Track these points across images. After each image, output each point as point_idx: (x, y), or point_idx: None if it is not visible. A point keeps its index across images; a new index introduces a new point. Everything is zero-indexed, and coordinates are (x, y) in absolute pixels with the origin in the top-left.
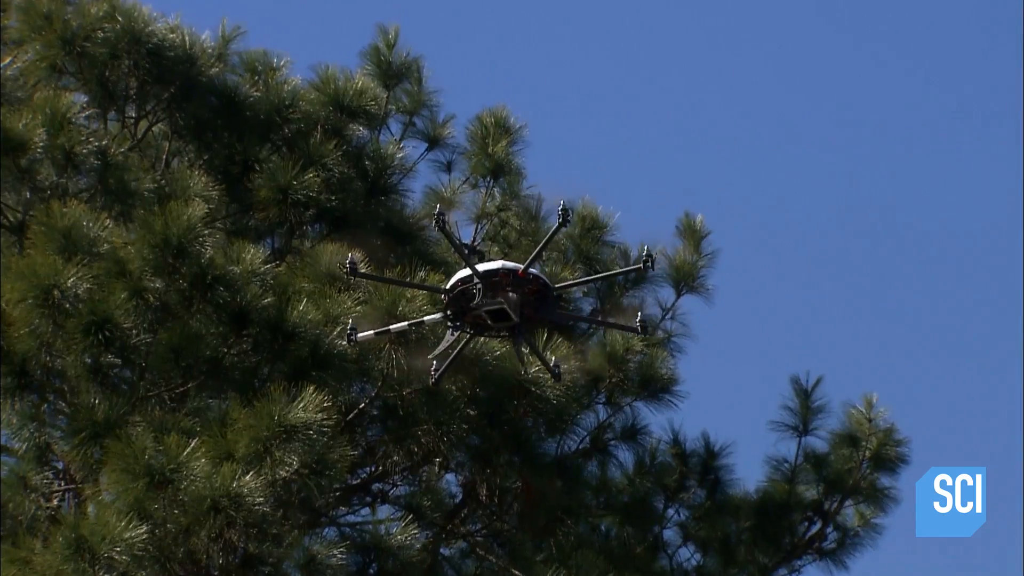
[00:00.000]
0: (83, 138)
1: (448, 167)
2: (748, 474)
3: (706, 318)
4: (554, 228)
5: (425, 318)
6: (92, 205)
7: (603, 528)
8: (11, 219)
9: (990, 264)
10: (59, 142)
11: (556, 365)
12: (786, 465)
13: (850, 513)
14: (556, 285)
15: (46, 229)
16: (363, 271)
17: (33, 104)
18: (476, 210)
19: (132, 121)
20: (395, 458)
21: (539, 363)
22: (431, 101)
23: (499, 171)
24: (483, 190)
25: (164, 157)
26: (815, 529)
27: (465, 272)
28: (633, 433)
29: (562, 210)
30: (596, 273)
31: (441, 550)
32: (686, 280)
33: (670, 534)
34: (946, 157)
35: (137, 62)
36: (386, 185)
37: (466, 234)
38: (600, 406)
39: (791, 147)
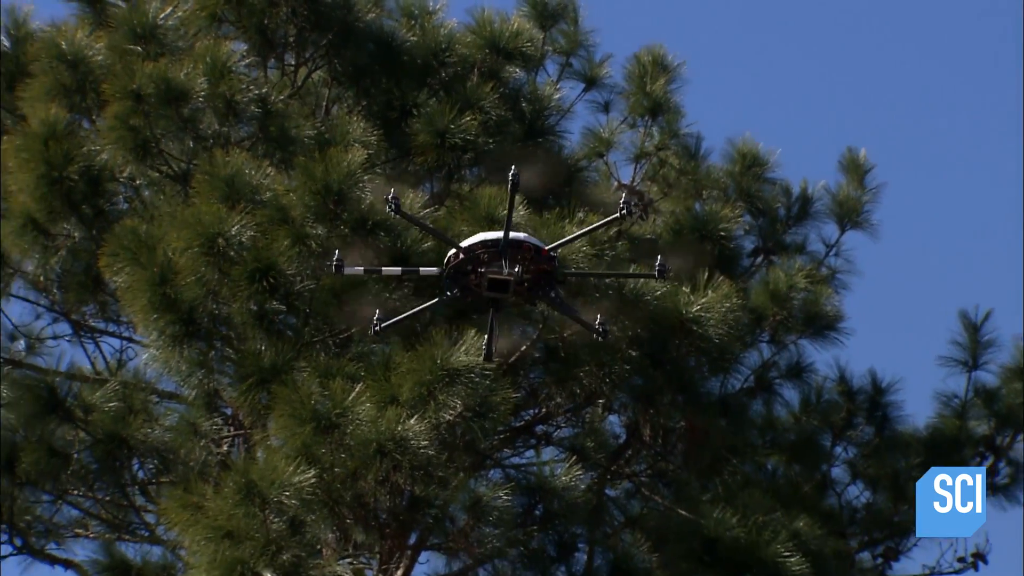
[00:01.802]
0: (244, 86)
1: (606, 107)
2: (917, 410)
3: (872, 254)
4: (608, 219)
5: (421, 269)
6: (254, 153)
7: (769, 467)
8: (175, 168)
9: None
10: (220, 91)
11: (602, 323)
12: (956, 400)
13: (1022, 447)
14: (565, 271)
15: (209, 178)
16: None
17: (194, 54)
18: (635, 150)
19: (291, 68)
20: (558, 400)
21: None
22: (588, 41)
23: (657, 110)
24: (641, 129)
25: (324, 104)
26: (987, 464)
27: (492, 235)
28: (798, 371)
29: (624, 202)
30: (756, 209)
31: (606, 491)
32: (850, 216)
33: (838, 472)
34: None
35: (295, 9)
36: (543, 127)
37: (624, 174)
38: (764, 344)
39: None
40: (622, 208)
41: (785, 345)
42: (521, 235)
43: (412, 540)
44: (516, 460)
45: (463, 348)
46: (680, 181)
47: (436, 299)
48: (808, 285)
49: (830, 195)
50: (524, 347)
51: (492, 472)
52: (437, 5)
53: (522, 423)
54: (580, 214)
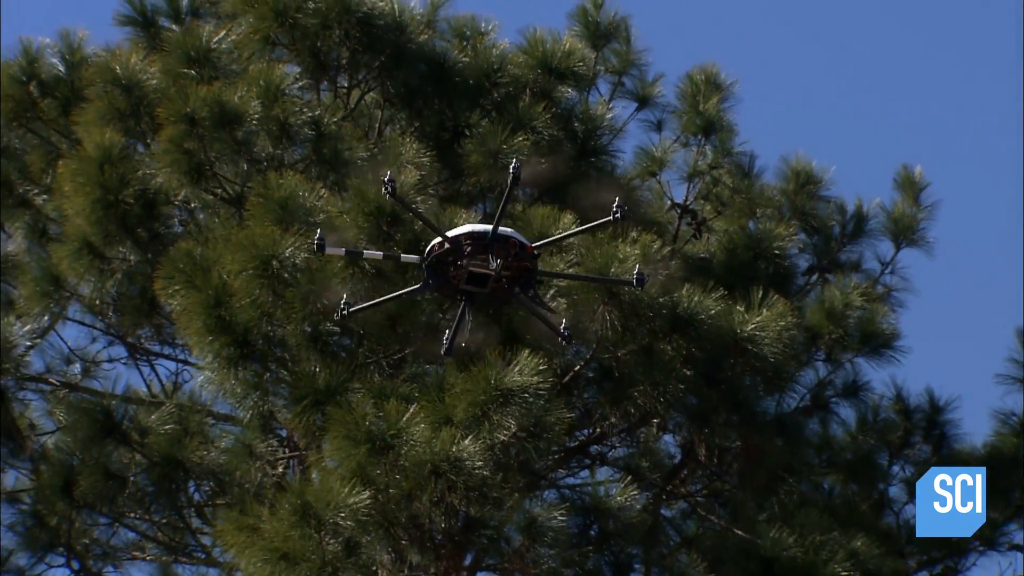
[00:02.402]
0: (297, 109)
1: (658, 126)
2: (975, 428)
3: (927, 271)
4: (600, 221)
5: (401, 256)
6: (307, 175)
7: (826, 486)
8: (229, 191)
9: None
10: (274, 113)
11: (567, 328)
12: (1014, 418)
13: None
14: (543, 271)
15: (263, 200)
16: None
17: (247, 77)
18: (688, 169)
19: (344, 90)
20: (612, 420)
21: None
22: (640, 60)
23: (710, 128)
24: (694, 148)
25: (376, 125)
26: None
27: (480, 228)
28: (855, 389)
29: (617, 206)
30: (811, 227)
31: (662, 511)
32: (905, 233)
33: (895, 491)
34: None
35: (348, 32)
36: (596, 146)
37: (677, 193)
38: (820, 363)
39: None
40: (615, 211)
41: (841, 364)
42: (508, 230)
43: (467, 561)
44: (571, 480)
45: (517, 368)
46: (734, 200)
47: (411, 287)
48: (864, 303)
49: (885, 213)
50: (578, 367)
51: (547, 492)
52: (489, 26)
53: (577, 443)
54: (633, 233)
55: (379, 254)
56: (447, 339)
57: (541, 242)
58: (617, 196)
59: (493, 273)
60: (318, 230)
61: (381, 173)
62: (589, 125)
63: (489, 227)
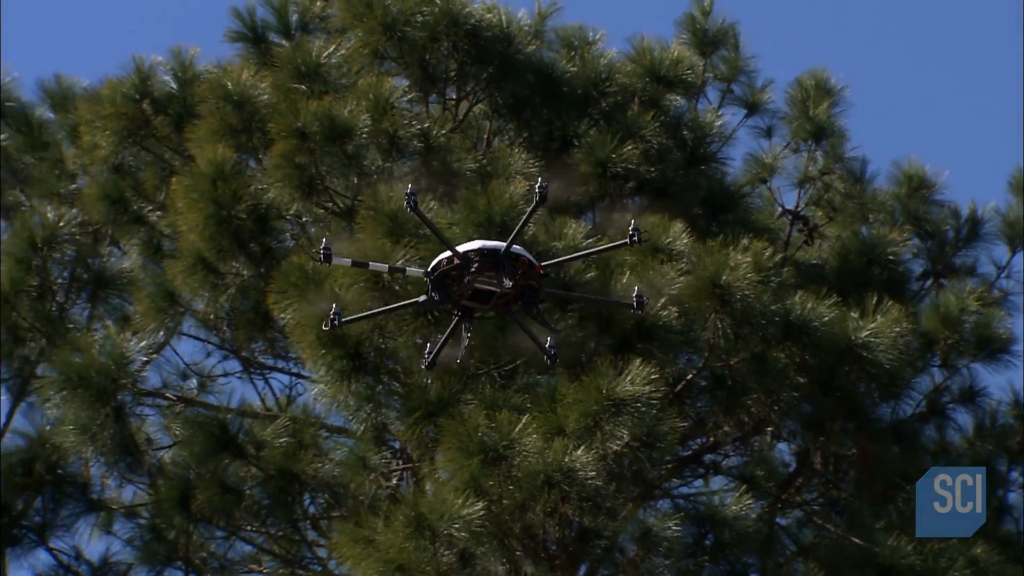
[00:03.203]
0: (406, 122)
1: (768, 132)
2: None
3: None
4: (615, 243)
5: (407, 269)
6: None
7: None
8: (340, 205)
9: None
10: (383, 127)
11: (552, 346)
12: None
13: None
14: (547, 289)
15: (374, 213)
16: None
17: (357, 91)
18: (799, 175)
19: (452, 102)
20: (726, 428)
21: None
22: (748, 67)
23: (821, 134)
24: (805, 154)
25: (485, 137)
26: None
27: (492, 244)
28: (971, 395)
29: (633, 229)
30: (924, 232)
31: (777, 519)
32: (1021, 237)
33: (1014, 497)
34: None
35: (456, 44)
36: (705, 154)
37: (788, 199)
38: (935, 369)
39: None
40: (631, 234)
41: (957, 369)
42: (518, 248)
43: (582, 572)
44: (685, 490)
45: (629, 378)
46: (846, 205)
47: (411, 300)
48: (979, 308)
49: (1000, 216)
50: (690, 375)
51: (661, 502)
52: (596, 35)
53: (690, 452)
54: (744, 240)
55: (384, 266)
56: (431, 351)
57: (549, 262)
58: (633, 219)
59: (500, 291)
60: (323, 239)
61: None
62: (698, 133)
63: (501, 244)
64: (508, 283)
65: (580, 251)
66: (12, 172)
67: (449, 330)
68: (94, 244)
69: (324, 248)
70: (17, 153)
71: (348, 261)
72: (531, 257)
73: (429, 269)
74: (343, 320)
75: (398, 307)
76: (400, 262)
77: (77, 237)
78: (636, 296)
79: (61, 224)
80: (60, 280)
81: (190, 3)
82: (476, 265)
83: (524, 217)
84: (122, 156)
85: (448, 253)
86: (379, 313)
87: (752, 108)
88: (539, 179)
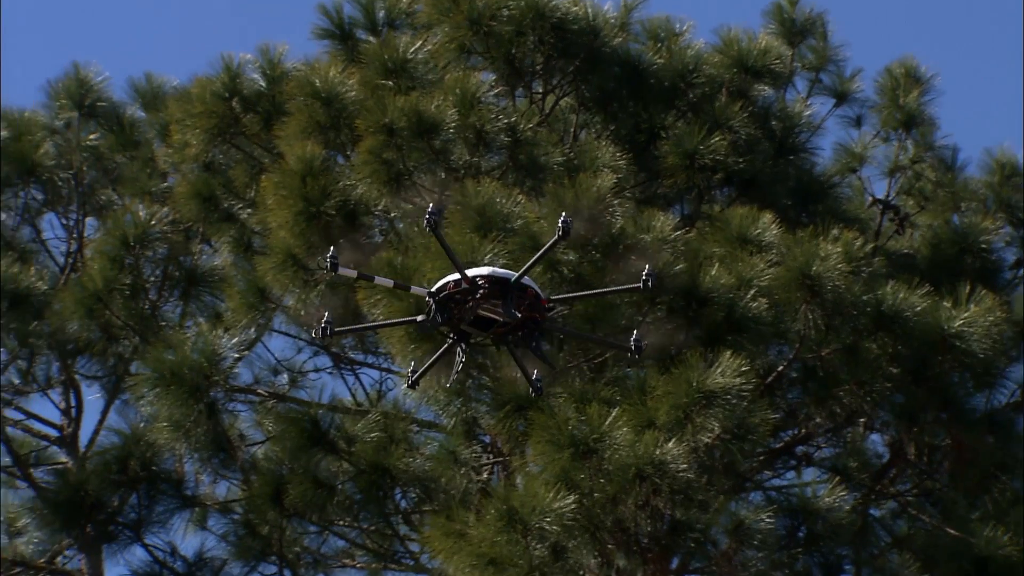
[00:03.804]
0: (493, 116)
1: (858, 122)
2: None
3: None
4: (625, 287)
5: (412, 288)
6: (504, 181)
7: None
8: (428, 200)
9: None
10: (470, 121)
11: (538, 379)
12: None
13: None
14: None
15: (461, 207)
16: (345, 270)
17: (444, 86)
18: (889, 164)
19: (539, 96)
20: (817, 420)
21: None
22: (837, 56)
23: (911, 122)
24: (895, 143)
25: (572, 130)
26: None
27: (501, 272)
28: None
29: (647, 274)
30: (1017, 220)
31: (871, 511)
32: None
33: None
34: None
35: (542, 37)
36: (794, 144)
37: (879, 189)
38: None
39: None
40: (645, 279)
41: None
42: (527, 280)
43: (674, 564)
44: (777, 482)
45: (719, 370)
46: (937, 194)
47: (409, 318)
48: None
49: None
50: (780, 367)
51: (753, 494)
52: (683, 27)
53: (781, 444)
54: (834, 231)
55: (389, 282)
56: (415, 371)
57: (557, 296)
58: (648, 266)
59: (503, 319)
60: (331, 248)
61: (428, 204)
62: (787, 123)
63: (511, 273)
64: (517, 315)
65: (592, 290)
66: (104, 171)
67: (439, 352)
68: (185, 242)
69: (331, 257)
70: (109, 152)
71: (353, 273)
72: (539, 289)
73: (434, 290)
74: (335, 330)
75: (395, 323)
76: (487, 257)
77: (169, 235)
78: (635, 341)
79: (153, 222)
80: (152, 278)
81: (278, 1)
82: (483, 291)
83: (541, 251)
84: (212, 154)
85: (456, 276)
86: (375, 327)
87: (841, 97)
88: (563, 215)
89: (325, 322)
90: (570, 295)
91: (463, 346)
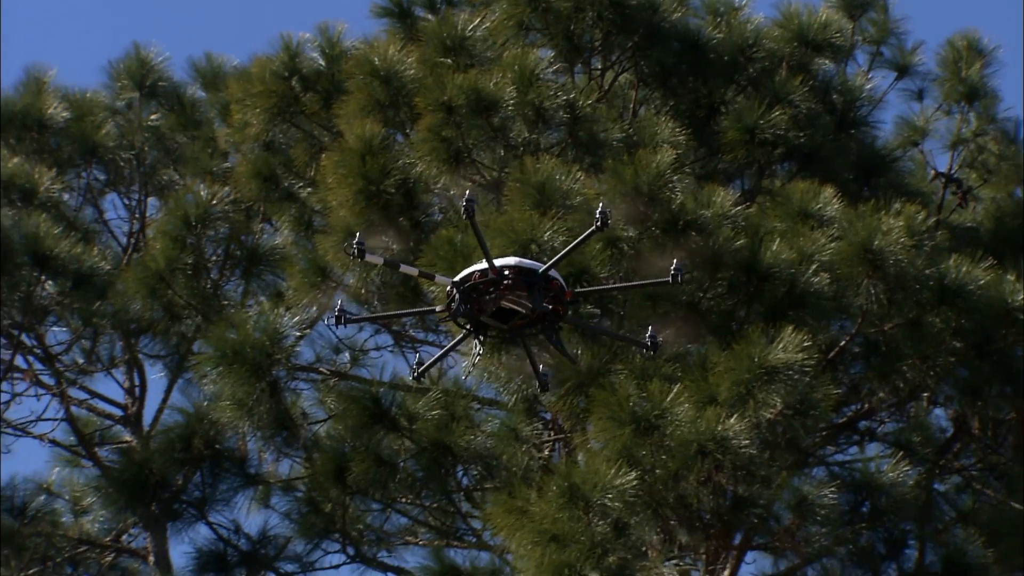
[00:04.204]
0: (552, 93)
1: (919, 95)
2: None
3: None
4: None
5: (437, 277)
6: (563, 158)
7: None
8: (487, 177)
9: None
10: (529, 98)
11: (544, 374)
12: None
13: None
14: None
15: (521, 185)
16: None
17: (502, 63)
18: (951, 137)
19: (598, 72)
20: (880, 395)
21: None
22: (898, 29)
23: (973, 95)
24: (957, 116)
25: (631, 106)
26: None
27: (528, 263)
28: None
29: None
30: None
31: (935, 485)
32: None
33: None
34: None
35: (601, 13)
36: (855, 118)
37: (941, 162)
38: None
39: None
40: (674, 273)
41: None
42: (553, 272)
43: (736, 540)
44: (840, 457)
45: (781, 345)
46: (1000, 167)
47: (427, 308)
48: None
49: None
50: (843, 342)
51: (815, 470)
52: (742, 1)
53: (844, 419)
54: (896, 204)
55: (415, 270)
56: (420, 363)
57: (581, 290)
58: (602, 202)
59: (525, 311)
60: (357, 234)
61: (459, 193)
62: (848, 97)
63: (538, 264)
64: (547, 307)
65: (620, 284)
66: (165, 151)
67: (451, 345)
68: (247, 221)
69: (357, 243)
70: (170, 132)
71: (380, 259)
72: (563, 282)
73: (458, 280)
74: (350, 318)
75: (413, 313)
76: (547, 235)
77: (230, 215)
78: (650, 337)
79: (214, 202)
80: (214, 257)
81: None
82: (508, 282)
83: (575, 241)
84: (272, 133)
85: (481, 265)
86: (390, 316)
87: (902, 71)
88: (601, 203)
89: (339, 309)
90: (594, 288)
91: (481, 338)
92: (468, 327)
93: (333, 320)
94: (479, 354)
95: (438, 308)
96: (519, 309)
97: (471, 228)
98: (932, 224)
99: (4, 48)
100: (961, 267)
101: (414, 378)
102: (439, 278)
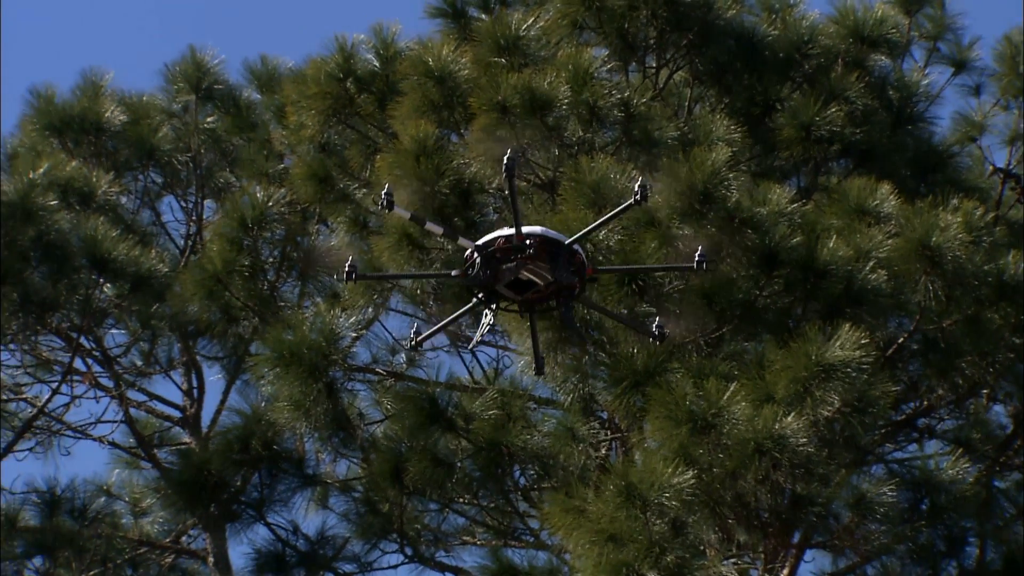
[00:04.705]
0: (606, 91)
1: (976, 90)
2: None
3: None
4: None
5: (460, 240)
6: (618, 157)
7: None
8: (542, 177)
9: None
10: (583, 97)
11: (542, 357)
12: None
13: None
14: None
15: (575, 184)
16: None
17: (556, 62)
18: (1009, 132)
19: (652, 71)
20: (939, 392)
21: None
22: (955, 24)
23: None
24: (1015, 111)
25: (686, 104)
26: None
27: (554, 235)
28: None
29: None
30: None
31: (995, 483)
32: None
33: None
34: None
35: (655, 11)
36: (912, 114)
37: (999, 158)
38: None
39: None
40: (699, 259)
41: None
42: (576, 246)
43: (795, 538)
44: (898, 454)
45: (838, 343)
46: None
47: (444, 272)
48: None
49: None
50: (901, 339)
51: (874, 467)
52: None
53: (903, 416)
54: (954, 201)
55: (440, 228)
56: (418, 332)
57: (603, 268)
58: (640, 178)
59: (545, 283)
60: (387, 185)
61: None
62: (904, 93)
63: (562, 236)
64: (574, 278)
65: (646, 266)
66: (222, 154)
67: (454, 315)
68: (302, 223)
69: (387, 194)
70: (226, 135)
71: (407, 213)
72: (585, 257)
73: (481, 244)
74: (359, 275)
75: (427, 275)
76: (602, 234)
77: (286, 216)
78: (657, 326)
79: (270, 204)
80: (271, 259)
81: None
82: (531, 251)
83: (610, 214)
84: (327, 135)
85: (507, 231)
86: (404, 277)
87: (959, 66)
88: (639, 179)
89: (349, 266)
90: (617, 267)
91: (492, 308)
92: (479, 295)
93: (343, 276)
94: (489, 324)
95: (454, 272)
96: (538, 281)
97: (508, 187)
98: (990, 220)
99: (63, 53)
100: (1020, 263)
101: (411, 348)
102: (462, 240)
